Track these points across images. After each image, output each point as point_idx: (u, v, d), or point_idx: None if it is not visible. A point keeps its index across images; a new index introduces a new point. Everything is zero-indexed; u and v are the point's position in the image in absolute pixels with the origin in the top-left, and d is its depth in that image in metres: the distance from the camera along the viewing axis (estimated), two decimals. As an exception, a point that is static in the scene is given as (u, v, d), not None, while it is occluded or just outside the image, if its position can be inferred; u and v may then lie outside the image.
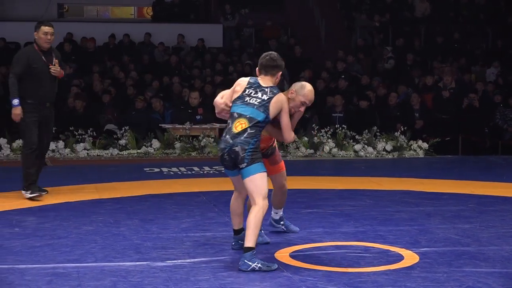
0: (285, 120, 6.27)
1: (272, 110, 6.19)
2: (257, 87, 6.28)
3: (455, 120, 16.24)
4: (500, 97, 17.18)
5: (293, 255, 6.35)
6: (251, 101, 6.21)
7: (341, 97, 16.21)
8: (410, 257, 6.28)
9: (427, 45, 21.56)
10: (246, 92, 6.27)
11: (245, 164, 6.05)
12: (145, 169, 12.06)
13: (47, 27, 9.32)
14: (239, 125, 6.15)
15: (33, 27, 9.34)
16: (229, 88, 6.51)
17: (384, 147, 14.23)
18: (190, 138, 14.09)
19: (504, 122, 16.62)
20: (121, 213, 8.27)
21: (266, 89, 6.27)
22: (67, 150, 13.70)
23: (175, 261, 6.14)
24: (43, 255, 6.33)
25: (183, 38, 21.19)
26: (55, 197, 9.26)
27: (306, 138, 14.38)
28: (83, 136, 13.89)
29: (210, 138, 13.93)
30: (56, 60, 9.40)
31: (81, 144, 13.79)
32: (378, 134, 14.58)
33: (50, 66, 9.30)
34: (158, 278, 5.63)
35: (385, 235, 7.18)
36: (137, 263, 6.08)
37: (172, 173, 11.66)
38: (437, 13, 23.20)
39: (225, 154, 6.13)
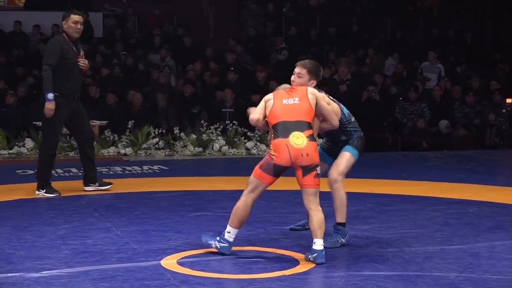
0: None
1: None
2: None
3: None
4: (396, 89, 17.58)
5: (181, 262, 6.33)
6: None
7: (231, 91, 16.26)
8: (305, 262, 6.34)
9: (323, 35, 21.81)
10: None
11: None
12: (17, 171, 11.87)
13: (77, 16, 9.40)
14: None
15: None
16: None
17: (278, 144, 14.28)
18: (67, 137, 13.86)
19: (404, 116, 16.95)
20: (-10, 220, 8.11)
21: None
22: None
23: (52, 271, 6.04)
24: None
25: (58, 27, 20.85)
26: None
27: (194, 136, 14.36)
28: None
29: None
30: (83, 52, 9.55)
31: None
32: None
33: (78, 59, 9.43)
34: (32, 291, 5.54)
35: (279, 238, 7.24)
36: (9, 274, 5.95)
37: (48, 175, 11.46)
38: (333, 2, 23.53)
39: None
